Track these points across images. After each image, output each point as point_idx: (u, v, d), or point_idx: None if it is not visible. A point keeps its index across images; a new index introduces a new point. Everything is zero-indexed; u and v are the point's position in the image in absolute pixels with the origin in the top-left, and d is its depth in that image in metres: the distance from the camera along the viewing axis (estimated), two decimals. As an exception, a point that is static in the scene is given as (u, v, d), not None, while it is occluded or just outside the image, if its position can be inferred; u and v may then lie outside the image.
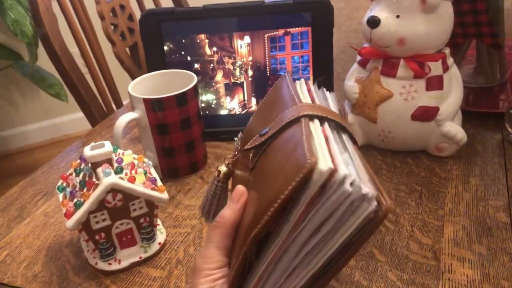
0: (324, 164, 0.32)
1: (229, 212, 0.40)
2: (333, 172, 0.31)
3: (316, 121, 0.38)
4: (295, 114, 0.39)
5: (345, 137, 0.40)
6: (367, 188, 0.32)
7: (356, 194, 0.32)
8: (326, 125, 0.39)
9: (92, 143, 0.52)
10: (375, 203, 0.32)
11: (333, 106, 0.46)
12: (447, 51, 0.67)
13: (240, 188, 0.41)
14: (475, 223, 0.57)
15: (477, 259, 0.52)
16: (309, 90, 0.46)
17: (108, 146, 0.51)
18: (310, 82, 0.47)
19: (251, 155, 0.43)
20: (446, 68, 0.66)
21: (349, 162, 0.35)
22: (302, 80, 0.47)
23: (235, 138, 0.50)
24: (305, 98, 0.44)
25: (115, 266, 0.54)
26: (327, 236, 0.34)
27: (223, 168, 0.46)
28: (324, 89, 0.48)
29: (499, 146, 0.71)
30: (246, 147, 0.43)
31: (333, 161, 0.33)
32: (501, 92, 0.85)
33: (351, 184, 0.32)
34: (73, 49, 1.01)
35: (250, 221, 0.37)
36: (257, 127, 0.45)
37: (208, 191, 0.49)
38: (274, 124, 0.41)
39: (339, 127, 0.41)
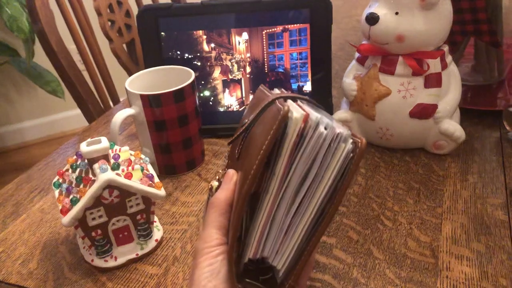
0: (297, 112, 0.35)
1: (221, 192, 0.42)
2: (306, 117, 0.35)
3: (289, 100, 0.41)
4: (269, 99, 0.41)
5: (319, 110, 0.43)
6: (341, 129, 0.36)
7: (331, 135, 0.35)
8: (299, 101, 0.41)
9: (89, 139, 0.51)
10: (350, 140, 0.36)
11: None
12: (445, 48, 0.67)
13: (230, 170, 0.43)
14: (473, 221, 0.57)
15: (475, 257, 0.52)
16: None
17: (104, 142, 0.51)
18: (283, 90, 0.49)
19: (236, 148, 0.45)
20: (444, 66, 0.66)
21: (321, 114, 0.38)
22: (275, 89, 0.49)
23: (225, 155, 0.51)
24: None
25: (111, 263, 0.54)
26: (314, 184, 0.37)
27: (215, 183, 0.46)
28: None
29: (497, 144, 0.71)
30: (230, 141, 0.45)
31: (304, 111, 0.36)
32: (499, 90, 0.85)
33: (325, 127, 0.35)
34: (70, 46, 1.01)
35: (239, 185, 0.39)
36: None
37: (205, 205, 0.49)
38: (251, 114, 0.43)
39: (313, 104, 0.43)
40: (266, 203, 0.37)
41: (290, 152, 0.36)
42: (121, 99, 1.11)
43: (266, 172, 0.37)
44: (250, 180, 0.36)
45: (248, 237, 0.39)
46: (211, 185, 0.46)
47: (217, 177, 0.47)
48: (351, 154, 0.36)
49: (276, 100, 0.40)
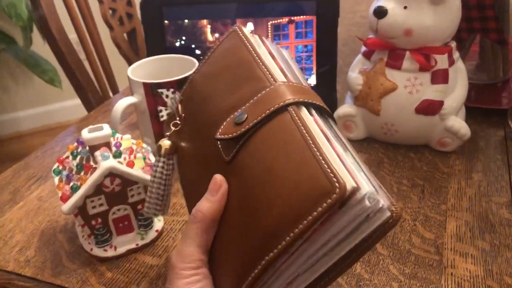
0: (348, 181, 0.29)
1: (207, 205, 0.36)
2: (355, 190, 0.29)
3: (304, 110, 0.35)
4: (279, 102, 0.34)
5: (331, 122, 0.38)
6: (382, 200, 0.30)
7: (373, 208, 0.30)
8: (313, 111, 0.36)
9: (90, 126, 0.50)
10: (388, 213, 0.30)
11: (294, 66, 0.42)
12: (453, 44, 0.66)
13: (218, 177, 0.36)
14: (477, 219, 0.57)
15: (480, 254, 0.52)
16: (269, 52, 0.41)
17: (106, 129, 0.50)
18: (264, 38, 0.42)
19: (223, 143, 0.38)
20: (452, 62, 0.66)
21: (358, 167, 0.33)
22: (256, 37, 0.42)
23: (170, 96, 0.43)
24: (272, 67, 0.39)
25: (110, 253, 0.53)
26: (336, 247, 0.32)
27: (165, 143, 0.40)
28: (277, 45, 0.43)
29: (502, 143, 0.70)
30: (219, 136, 0.37)
31: (350, 174, 0.30)
32: (504, 89, 0.84)
33: (369, 198, 0.30)
34: (70, 36, 0.99)
35: (254, 241, 0.32)
36: (219, 98, 0.40)
37: (152, 177, 0.43)
38: (251, 108, 0.36)
39: (321, 109, 0.38)
40: (279, 262, 0.32)
41: (324, 220, 0.29)
42: (120, 89, 1.10)
43: None
44: (271, 258, 0.30)
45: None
46: (159, 145, 0.40)
47: (168, 134, 0.40)
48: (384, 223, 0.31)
49: (290, 109, 0.34)
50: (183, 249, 0.36)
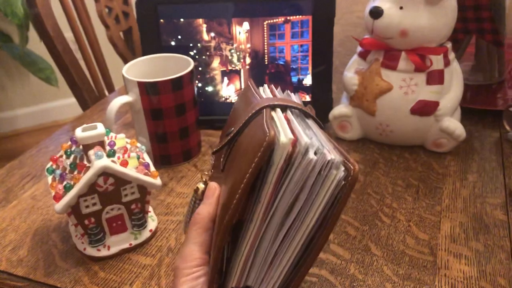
0: (284, 136, 0.32)
1: (204, 207, 0.39)
2: (294, 142, 0.32)
3: (278, 110, 0.38)
4: (256, 107, 0.38)
5: (309, 121, 0.40)
6: (332, 155, 0.32)
7: (321, 161, 0.32)
8: (289, 112, 0.38)
9: (84, 125, 0.50)
10: (342, 168, 0.33)
11: (297, 100, 0.44)
12: (449, 45, 0.66)
13: (213, 184, 0.41)
14: (472, 220, 0.57)
15: (474, 255, 0.52)
16: (271, 92, 0.45)
17: (100, 128, 0.50)
18: (273, 86, 0.45)
19: (222, 157, 0.43)
20: (447, 63, 0.66)
21: (312, 135, 0.35)
22: (265, 85, 0.46)
23: (212, 156, 0.48)
24: (265, 94, 0.43)
25: (104, 252, 0.53)
26: (302, 212, 0.34)
27: (201, 186, 0.44)
28: (288, 91, 0.46)
29: (497, 144, 0.70)
30: (214, 149, 0.43)
31: (293, 133, 0.33)
32: (499, 90, 0.84)
33: (315, 153, 0.32)
34: (66, 34, 0.99)
35: (221, 209, 0.36)
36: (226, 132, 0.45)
37: (188, 209, 0.47)
38: (238, 122, 0.40)
39: (303, 114, 0.40)
40: (250, 232, 0.35)
41: (277, 179, 0.33)
42: (116, 88, 1.10)
43: (251, 199, 0.35)
44: (231, 211, 0.34)
45: (231, 265, 0.37)
46: (197, 187, 0.44)
47: (204, 179, 0.45)
48: (343, 182, 0.33)
49: (264, 110, 0.37)
50: (184, 250, 0.38)
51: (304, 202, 0.34)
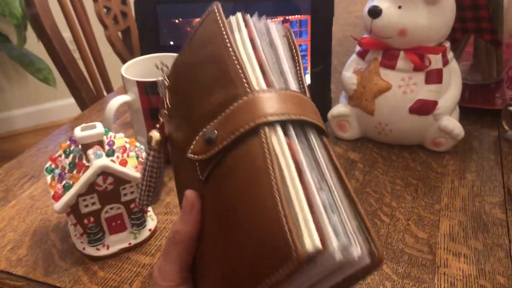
0: (309, 242, 0.25)
1: (182, 227, 0.34)
2: (321, 252, 0.25)
3: (278, 132, 0.30)
4: (250, 120, 0.29)
5: (312, 137, 0.32)
6: (359, 249, 0.26)
7: (346, 260, 0.26)
8: (292, 132, 0.30)
9: (83, 124, 0.50)
10: (367, 260, 0.27)
11: (285, 53, 0.36)
12: (447, 44, 0.66)
13: (189, 195, 0.34)
14: (471, 219, 0.57)
15: (473, 254, 0.52)
16: (251, 38, 0.35)
17: (99, 127, 0.50)
18: (248, 16, 0.36)
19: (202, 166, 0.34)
20: (446, 62, 0.66)
21: (333, 207, 0.28)
22: (239, 16, 0.36)
23: (159, 79, 0.40)
24: (250, 64, 0.33)
25: (103, 252, 0.52)
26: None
27: (155, 134, 0.37)
28: (266, 21, 0.37)
29: (495, 143, 0.71)
30: (189, 155, 0.34)
31: (318, 228, 0.26)
32: (497, 90, 0.84)
33: (340, 248, 0.26)
34: (64, 34, 0.99)
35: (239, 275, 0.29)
36: (198, 99, 0.35)
37: (142, 170, 0.40)
38: (221, 125, 0.31)
39: (303, 123, 0.32)
40: None
41: (286, 277, 0.26)
42: (114, 88, 1.10)
43: None
44: None
45: None
46: (150, 136, 0.38)
47: (158, 126, 0.38)
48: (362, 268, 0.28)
49: (261, 132, 0.29)
50: (164, 267, 0.36)
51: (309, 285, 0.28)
